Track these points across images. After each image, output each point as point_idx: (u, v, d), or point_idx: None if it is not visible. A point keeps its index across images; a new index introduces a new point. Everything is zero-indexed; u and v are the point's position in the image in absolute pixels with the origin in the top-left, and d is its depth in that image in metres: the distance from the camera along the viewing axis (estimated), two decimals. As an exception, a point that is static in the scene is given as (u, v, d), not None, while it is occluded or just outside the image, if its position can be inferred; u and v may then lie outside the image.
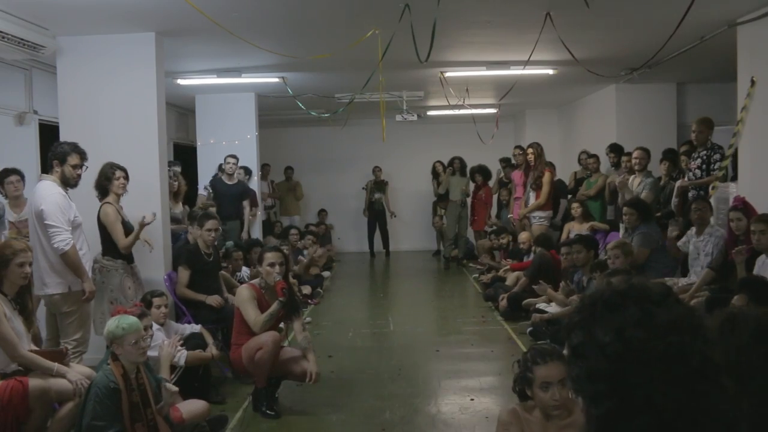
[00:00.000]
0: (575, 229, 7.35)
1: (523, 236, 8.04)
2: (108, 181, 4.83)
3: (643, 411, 1.00)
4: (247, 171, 8.78)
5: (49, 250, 4.28)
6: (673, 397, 1.00)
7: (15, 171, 5.56)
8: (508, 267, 7.66)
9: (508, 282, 7.54)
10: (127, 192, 4.94)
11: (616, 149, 8.03)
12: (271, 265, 4.41)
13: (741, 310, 1.44)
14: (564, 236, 7.43)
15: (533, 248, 7.42)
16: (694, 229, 5.48)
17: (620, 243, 5.49)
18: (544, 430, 2.51)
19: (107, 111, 5.45)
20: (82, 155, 4.49)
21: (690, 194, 6.04)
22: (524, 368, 2.54)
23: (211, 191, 8.11)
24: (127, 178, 4.90)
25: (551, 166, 8.41)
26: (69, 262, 4.29)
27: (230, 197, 8.02)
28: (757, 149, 5.37)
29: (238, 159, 8.19)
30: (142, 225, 4.80)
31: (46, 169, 4.62)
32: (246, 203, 8.25)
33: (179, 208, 6.75)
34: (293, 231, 9.40)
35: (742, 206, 4.93)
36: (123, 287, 4.80)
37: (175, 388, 3.83)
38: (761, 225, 4.47)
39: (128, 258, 4.91)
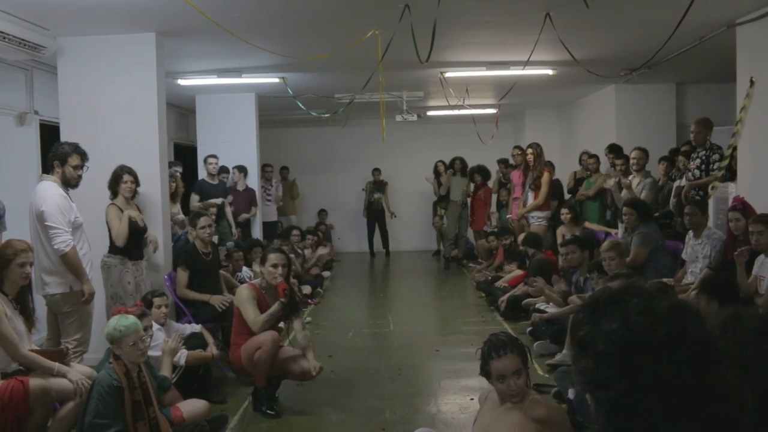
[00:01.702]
0: (567, 233, 7.33)
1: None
2: (116, 183, 4.96)
3: (653, 391, 1.03)
4: (242, 169, 8.78)
5: (49, 250, 4.29)
6: (681, 377, 1.03)
7: None
8: (506, 284, 7.67)
9: (502, 282, 7.59)
10: (138, 194, 5.06)
11: (614, 150, 8.04)
12: (274, 266, 4.42)
13: (744, 308, 1.47)
14: (559, 240, 7.42)
15: (524, 248, 7.43)
16: (692, 233, 5.48)
17: (614, 244, 5.42)
18: (495, 411, 2.74)
19: (108, 111, 5.47)
20: (83, 156, 4.51)
21: (690, 194, 6.04)
22: (483, 361, 2.71)
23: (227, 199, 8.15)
24: (135, 182, 5.02)
25: (550, 166, 8.42)
26: (69, 263, 4.30)
27: (215, 197, 8.07)
28: (757, 149, 5.38)
29: (218, 158, 8.27)
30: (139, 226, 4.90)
31: (46, 169, 4.63)
32: (227, 201, 8.30)
33: (176, 209, 6.78)
34: (294, 232, 9.42)
35: (741, 206, 4.94)
36: (122, 282, 4.83)
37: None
38: (759, 226, 4.47)
39: (130, 254, 4.93)
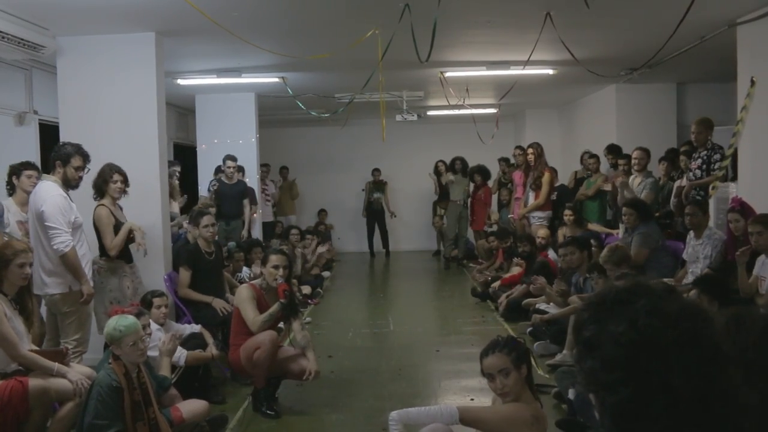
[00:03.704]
0: (569, 235, 7.29)
1: (541, 233, 7.92)
2: (105, 183, 4.75)
3: (661, 395, 1.01)
4: (240, 169, 8.76)
5: (49, 250, 4.27)
6: (689, 381, 1.01)
7: (33, 165, 5.02)
8: (499, 282, 7.65)
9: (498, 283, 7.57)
10: (127, 194, 4.86)
11: (613, 150, 8.03)
12: (275, 267, 4.42)
13: (747, 309, 1.45)
14: (560, 240, 7.38)
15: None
16: (692, 233, 5.47)
17: (610, 253, 5.20)
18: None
19: (107, 111, 5.45)
20: (86, 157, 4.49)
21: (691, 194, 6.03)
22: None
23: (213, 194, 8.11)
24: (125, 182, 4.81)
25: (552, 170, 8.38)
26: (68, 263, 4.28)
27: (231, 197, 8.06)
28: (758, 149, 5.37)
29: (236, 160, 8.21)
30: (131, 230, 4.77)
31: (46, 169, 4.61)
32: (246, 202, 8.28)
33: (176, 208, 6.77)
34: (294, 231, 9.41)
35: (739, 207, 4.93)
36: (122, 287, 4.78)
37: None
38: (758, 227, 4.46)
39: (126, 258, 4.89)
